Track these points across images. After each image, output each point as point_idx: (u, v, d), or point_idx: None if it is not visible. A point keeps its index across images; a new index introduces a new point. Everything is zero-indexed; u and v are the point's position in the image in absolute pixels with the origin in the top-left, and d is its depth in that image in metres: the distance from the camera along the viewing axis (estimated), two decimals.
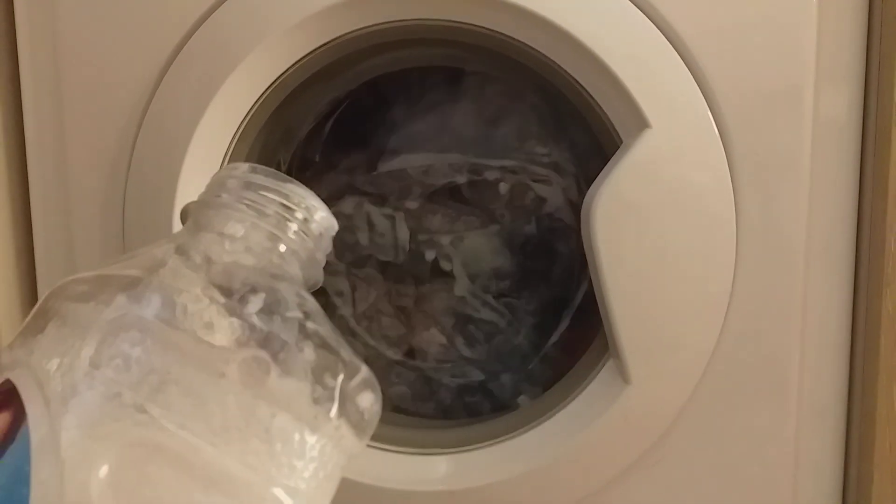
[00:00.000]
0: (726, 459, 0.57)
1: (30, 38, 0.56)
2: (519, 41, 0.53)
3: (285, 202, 0.36)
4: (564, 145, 0.70)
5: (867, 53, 0.54)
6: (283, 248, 0.36)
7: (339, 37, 0.54)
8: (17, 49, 0.56)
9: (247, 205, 0.36)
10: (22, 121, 0.57)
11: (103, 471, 0.29)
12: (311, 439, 0.32)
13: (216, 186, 0.37)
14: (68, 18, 0.54)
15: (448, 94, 0.71)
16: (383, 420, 0.62)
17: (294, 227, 0.36)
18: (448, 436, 0.61)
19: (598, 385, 0.56)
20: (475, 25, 0.53)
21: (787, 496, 0.57)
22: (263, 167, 0.38)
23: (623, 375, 0.54)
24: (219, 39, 0.53)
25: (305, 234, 0.37)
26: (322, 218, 0.38)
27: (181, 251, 0.35)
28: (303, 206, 0.37)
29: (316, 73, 0.57)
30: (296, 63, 0.54)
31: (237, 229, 0.36)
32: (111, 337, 0.31)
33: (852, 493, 0.57)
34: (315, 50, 0.54)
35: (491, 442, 0.58)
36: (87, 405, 0.30)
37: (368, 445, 0.58)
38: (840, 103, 0.54)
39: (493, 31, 0.53)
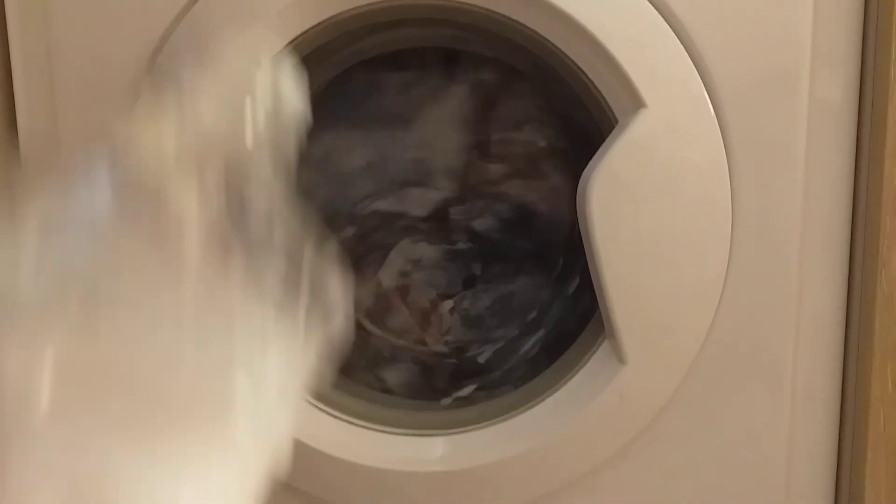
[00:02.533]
0: (721, 440, 0.57)
1: (21, 27, 0.55)
2: (515, 21, 0.53)
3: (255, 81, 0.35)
4: (561, 127, 0.69)
5: (863, 36, 0.54)
6: (251, 130, 0.35)
7: (333, 17, 0.54)
8: (7, 39, 0.56)
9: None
10: (14, 112, 0.56)
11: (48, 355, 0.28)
12: (274, 323, 0.31)
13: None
14: (60, 9, 0.54)
15: (444, 75, 0.70)
16: (379, 402, 0.63)
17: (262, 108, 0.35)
18: (444, 417, 0.61)
19: (594, 366, 0.56)
20: (471, 5, 0.53)
21: (780, 477, 0.57)
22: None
23: (618, 356, 0.54)
24: (210, 20, 0.53)
25: (273, 116, 0.36)
26: (290, 100, 0.37)
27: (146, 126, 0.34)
28: (271, 88, 0.36)
29: (309, 54, 0.57)
30: (289, 43, 0.54)
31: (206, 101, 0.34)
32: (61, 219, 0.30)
33: (846, 472, 0.58)
34: (308, 30, 0.54)
35: (487, 423, 0.58)
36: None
37: (366, 427, 0.59)
38: (836, 86, 0.54)
39: (489, 10, 0.53)
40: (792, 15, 0.52)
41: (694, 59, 0.52)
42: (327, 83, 0.65)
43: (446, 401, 0.67)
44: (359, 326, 0.72)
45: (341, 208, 0.72)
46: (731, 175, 0.53)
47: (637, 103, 0.52)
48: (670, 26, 0.52)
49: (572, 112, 0.68)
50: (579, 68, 0.54)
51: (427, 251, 0.73)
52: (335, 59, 0.63)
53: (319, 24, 0.54)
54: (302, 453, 0.57)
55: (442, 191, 0.72)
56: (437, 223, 0.72)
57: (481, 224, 0.72)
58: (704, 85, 0.52)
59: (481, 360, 0.70)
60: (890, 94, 0.51)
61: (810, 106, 0.53)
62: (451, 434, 0.58)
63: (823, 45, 0.53)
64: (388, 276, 0.73)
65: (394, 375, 0.71)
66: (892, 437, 0.55)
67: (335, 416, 0.59)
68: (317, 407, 0.59)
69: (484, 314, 0.72)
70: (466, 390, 0.67)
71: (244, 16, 0.52)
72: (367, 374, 0.70)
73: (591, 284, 0.55)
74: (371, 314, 0.72)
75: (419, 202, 0.72)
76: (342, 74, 0.66)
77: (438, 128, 0.71)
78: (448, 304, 0.72)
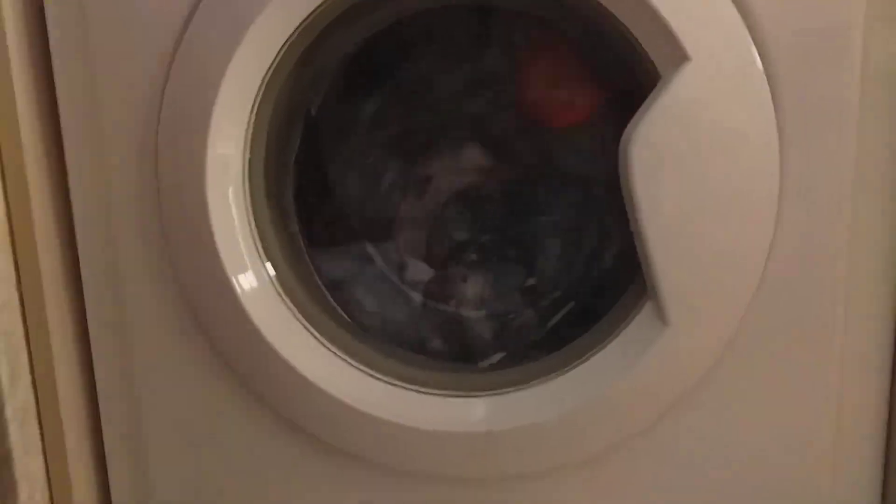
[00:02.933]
0: (767, 404, 0.56)
1: None
2: None
3: None
4: (602, 85, 0.68)
5: None
6: None
7: None
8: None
9: None
10: (51, 66, 0.56)
11: None
12: None
13: None
14: None
15: (480, 33, 0.69)
16: (420, 364, 0.63)
17: None
18: (485, 379, 0.61)
19: (637, 327, 0.55)
20: None
21: (828, 441, 0.56)
22: None
23: (661, 317, 0.53)
24: None
25: None
26: None
27: None
28: None
29: (342, 14, 0.56)
30: (322, 3, 0.53)
31: None
32: None
33: None
34: None
35: (528, 385, 0.57)
36: None
37: (406, 388, 0.59)
38: (891, 43, 0.52)
39: None
40: None
41: (741, 11, 0.50)
42: (363, 43, 0.64)
43: (484, 363, 0.67)
44: (397, 289, 0.72)
45: (379, 175, 0.72)
46: (779, 134, 0.51)
47: (681, 57, 0.50)
48: None
49: (614, 69, 0.66)
50: (620, 21, 0.52)
51: (467, 216, 0.72)
52: (371, 19, 0.62)
53: None
54: (346, 415, 0.58)
55: (481, 154, 0.71)
56: (477, 188, 0.72)
57: (522, 188, 0.72)
58: (753, 39, 0.50)
59: (518, 323, 0.70)
60: None
61: (864, 64, 0.51)
62: (492, 395, 0.58)
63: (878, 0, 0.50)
64: (426, 241, 0.73)
65: (433, 339, 0.71)
66: None
67: (378, 379, 0.59)
68: (360, 370, 0.59)
69: (523, 278, 0.72)
70: (500, 355, 0.67)
71: None
72: (406, 337, 0.70)
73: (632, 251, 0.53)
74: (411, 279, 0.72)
75: (458, 166, 0.72)
76: (379, 35, 0.65)
77: (476, 88, 0.70)
78: (485, 267, 0.72)
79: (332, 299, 0.67)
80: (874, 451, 0.58)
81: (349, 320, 0.67)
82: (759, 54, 0.50)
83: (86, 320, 0.61)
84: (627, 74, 0.57)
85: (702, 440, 0.57)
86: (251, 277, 0.57)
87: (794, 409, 0.56)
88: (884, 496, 0.58)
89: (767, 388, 0.56)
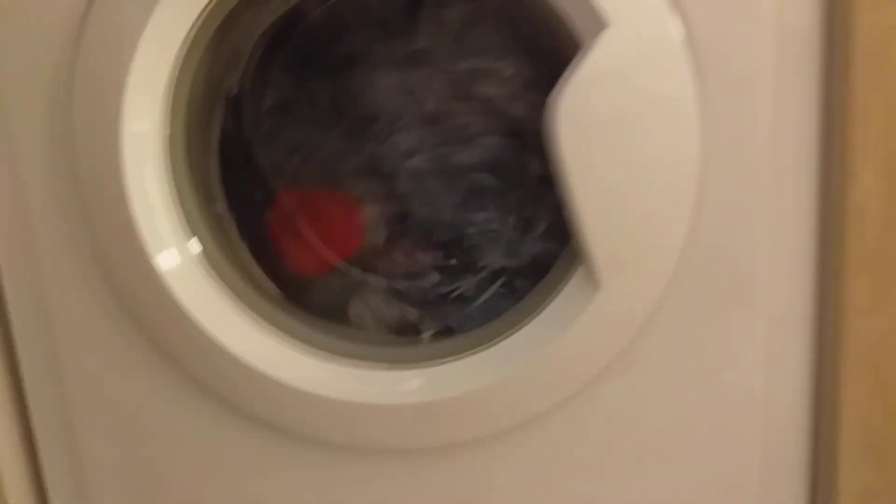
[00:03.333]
0: (699, 361, 0.57)
1: None
2: None
3: None
4: (529, 55, 0.68)
5: None
6: None
7: None
8: None
9: None
10: None
11: None
12: None
13: None
14: None
15: (402, 8, 0.68)
16: (354, 337, 0.63)
17: None
18: (420, 351, 0.61)
19: (570, 291, 0.55)
20: None
21: (758, 393, 0.58)
22: None
23: (593, 281, 0.54)
24: None
25: None
26: None
27: None
28: None
29: None
30: None
31: None
32: None
33: (824, 384, 0.58)
34: None
35: (464, 354, 0.58)
36: None
37: (341, 362, 0.58)
38: (802, 9, 0.52)
39: None
40: None
41: None
42: (281, 20, 0.63)
43: (426, 335, 0.67)
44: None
45: (305, 152, 0.71)
46: (699, 97, 0.52)
47: (600, 23, 0.50)
48: None
49: (540, 39, 0.67)
50: None
51: (398, 190, 0.72)
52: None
53: None
54: (280, 391, 0.58)
55: (413, 128, 0.71)
56: (408, 161, 0.71)
57: (455, 159, 0.71)
58: (671, 5, 0.51)
59: (458, 293, 0.70)
60: (856, 15, 0.50)
61: (776, 24, 0.52)
62: (428, 367, 0.58)
63: None
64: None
65: (372, 311, 0.70)
66: (866, 348, 0.55)
67: (312, 354, 0.59)
68: (293, 346, 0.59)
69: (460, 250, 0.72)
70: (439, 324, 0.67)
71: None
72: (345, 310, 0.70)
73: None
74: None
75: (387, 142, 0.71)
76: (296, 12, 0.64)
77: (401, 63, 0.69)
78: (426, 241, 0.72)
79: (264, 276, 0.66)
80: (803, 396, 0.59)
81: (283, 297, 0.66)
82: (677, 20, 0.51)
83: (5, 304, 0.60)
84: (553, 43, 0.57)
85: (637, 399, 0.58)
86: (174, 255, 0.57)
87: (723, 363, 0.57)
88: (815, 440, 0.60)
89: (698, 345, 0.57)
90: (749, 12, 0.51)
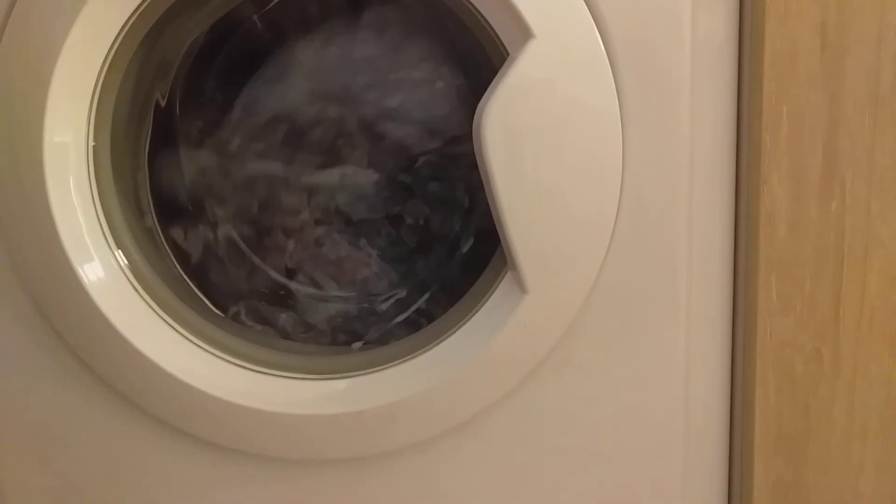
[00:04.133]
0: (624, 361, 0.59)
1: None
2: None
3: None
4: (457, 63, 0.69)
5: None
6: None
7: None
8: None
9: None
10: None
11: None
12: None
13: None
14: None
15: (337, 15, 0.69)
16: (284, 348, 0.63)
17: None
18: (350, 360, 0.61)
19: (498, 297, 0.57)
20: None
21: (679, 390, 0.60)
22: None
23: (520, 286, 0.55)
24: None
25: None
26: None
27: None
28: None
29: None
30: None
31: None
32: None
33: (741, 382, 0.61)
34: None
35: (395, 362, 0.58)
36: None
37: (271, 374, 0.58)
38: (717, 18, 0.55)
39: None
40: None
41: None
42: (211, 30, 0.62)
43: (356, 345, 0.67)
44: (265, 273, 0.71)
45: (243, 159, 0.70)
46: (620, 107, 0.54)
47: (525, 34, 0.52)
48: None
49: (469, 50, 0.68)
50: (470, 2, 0.53)
51: (330, 201, 0.72)
52: (215, 4, 0.60)
53: None
54: (210, 404, 0.57)
55: (345, 138, 0.71)
56: (339, 172, 0.71)
57: (387, 169, 0.72)
58: (593, 17, 0.53)
59: (385, 306, 0.71)
60: (766, 18, 0.53)
61: (694, 38, 0.54)
62: (357, 376, 0.58)
63: None
64: (294, 224, 0.72)
65: (301, 321, 0.70)
66: (777, 345, 0.58)
67: (241, 366, 0.58)
68: (222, 358, 0.58)
69: (392, 258, 0.72)
70: (372, 335, 0.67)
71: None
72: (276, 320, 0.70)
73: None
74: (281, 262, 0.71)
75: (323, 150, 0.71)
76: (226, 21, 0.63)
77: (337, 73, 0.70)
78: (356, 250, 0.72)
79: (193, 287, 0.65)
80: (721, 391, 0.62)
81: (212, 309, 0.65)
82: (600, 31, 0.53)
83: None
84: (480, 53, 0.58)
85: (566, 400, 0.60)
86: (98, 267, 0.56)
87: (647, 362, 0.59)
88: (731, 436, 0.63)
89: (623, 345, 0.59)
90: (667, 23, 0.54)
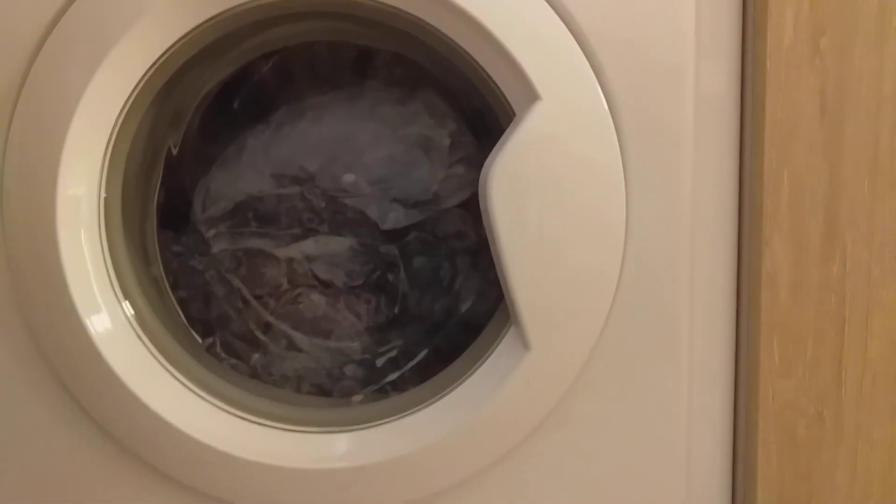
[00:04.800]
0: (626, 416, 0.59)
1: None
2: (410, 14, 0.53)
3: None
4: (466, 123, 0.70)
5: (742, 31, 0.56)
6: None
7: (226, 10, 0.53)
8: None
9: None
10: None
11: None
12: None
13: None
14: None
15: (345, 70, 0.70)
16: (288, 401, 0.62)
17: None
18: (349, 414, 0.61)
19: (500, 353, 0.57)
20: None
21: (681, 450, 0.60)
22: None
23: (523, 342, 0.55)
24: (99, 11, 0.51)
25: None
26: None
27: None
28: None
29: (202, 50, 0.56)
30: (181, 38, 0.53)
31: None
32: None
33: (741, 441, 0.60)
34: (201, 24, 0.53)
35: (395, 417, 0.58)
36: None
37: (274, 427, 0.58)
38: (719, 79, 0.56)
39: (384, 4, 0.53)
40: (675, 12, 0.54)
41: (587, 54, 0.53)
42: (224, 81, 0.63)
43: (357, 398, 0.67)
44: (267, 325, 0.71)
45: (250, 206, 0.71)
46: (624, 165, 0.55)
47: (532, 96, 0.53)
48: (563, 22, 0.53)
49: (476, 109, 0.69)
50: (478, 63, 0.54)
51: (335, 247, 0.72)
52: (229, 57, 0.61)
53: (212, 18, 0.53)
54: (211, 456, 0.57)
55: (351, 188, 0.72)
56: (344, 220, 0.72)
57: (390, 219, 0.72)
58: (598, 79, 0.54)
59: (385, 358, 0.71)
60: (767, 86, 0.54)
61: (696, 99, 0.55)
62: (357, 430, 0.58)
63: (706, 40, 0.55)
64: (297, 275, 0.72)
65: (303, 374, 0.70)
66: (779, 407, 0.58)
67: (244, 419, 0.58)
68: (225, 410, 0.58)
69: (395, 310, 0.72)
70: (374, 387, 0.67)
71: (135, 6, 0.51)
72: (277, 372, 0.69)
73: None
74: (283, 313, 0.71)
75: (329, 199, 0.72)
76: (244, 70, 0.65)
77: (346, 124, 0.71)
78: (359, 299, 0.72)
79: (198, 339, 0.65)
80: (723, 451, 0.61)
81: (217, 361, 0.65)
82: (603, 91, 0.54)
83: None
84: (486, 111, 0.59)
85: (566, 457, 0.59)
86: (105, 318, 0.56)
87: (649, 419, 0.59)
88: (733, 497, 0.62)
89: (626, 401, 0.58)
90: (670, 81, 0.55)
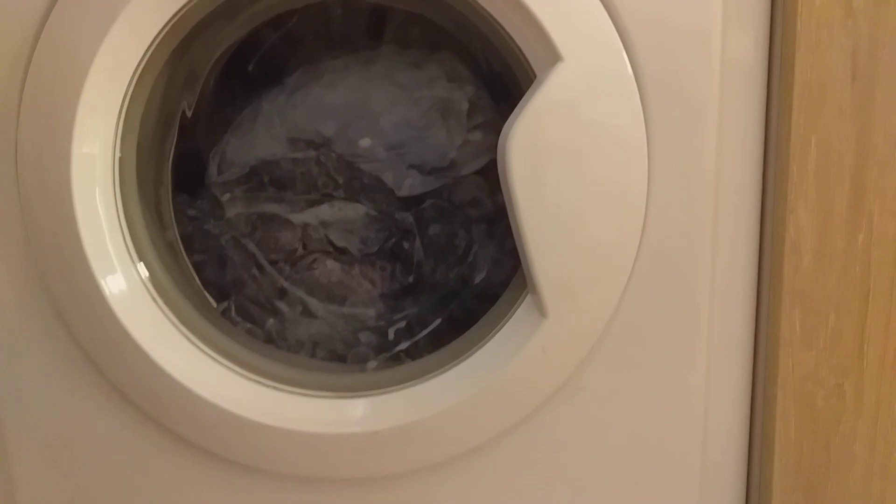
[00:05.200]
0: (642, 386, 0.58)
1: None
2: None
3: None
4: (486, 85, 0.69)
5: None
6: None
7: None
8: None
9: None
10: None
11: None
12: None
13: None
14: None
15: (361, 31, 0.69)
16: (300, 364, 0.63)
17: None
18: (370, 379, 0.61)
19: (517, 320, 0.56)
20: None
21: (699, 419, 0.59)
22: None
23: (540, 310, 0.55)
24: None
25: None
26: None
27: None
28: None
29: (217, 10, 0.55)
30: None
31: None
32: None
33: (761, 413, 0.60)
34: None
35: (411, 383, 0.58)
36: None
37: (289, 391, 0.58)
38: (747, 45, 0.55)
39: None
40: None
41: (611, 16, 0.52)
42: (239, 42, 0.63)
43: (371, 365, 0.67)
44: (282, 290, 0.71)
45: (266, 170, 0.71)
46: (647, 130, 0.53)
47: (554, 57, 0.52)
48: None
49: (495, 72, 0.68)
50: (499, 23, 0.53)
51: (350, 213, 0.72)
52: (244, 17, 0.60)
53: None
54: (224, 419, 0.57)
55: (367, 153, 0.71)
56: (360, 185, 0.72)
57: (406, 186, 0.72)
58: (622, 40, 0.52)
59: (399, 326, 0.70)
60: (797, 46, 0.53)
61: (723, 65, 0.54)
62: (372, 395, 0.58)
63: (734, 5, 0.53)
64: (312, 240, 0.72)
65: (318, 339, 0.70)
66: (799, 378, 0.57)
67: (259, 383, 0.58)
68: (239, 374, 0.58)
69: (410, 278, 0.72)
70: (385, 355, 0.67)
71: None
72: (292, 337, 0.69)
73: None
74: (298, 278, 0.71)
75: (344, 165, 0.71)
76: (259, 30, 0.64)
77: (362, 87, 0.70)
78: (374, 267, 0.72)
79: (212, 303, 0.65)
80: (740, 421, 0.61)
81: (232, 325, 0.65)
82: (628, 54, 0.52)
83: None
84: (506, 73, 0.58)
85: (582, 425, 0.59)
86: (120, 279, 0.56)
87: (666, 389, 0.58)
88: (750, 468, 0.62)
89: (642, 371, 0.58)
90: (696, 46, 0.53)
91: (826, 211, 0.55)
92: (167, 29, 0.53)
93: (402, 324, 0.71)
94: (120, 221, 0.56)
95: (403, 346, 0.69)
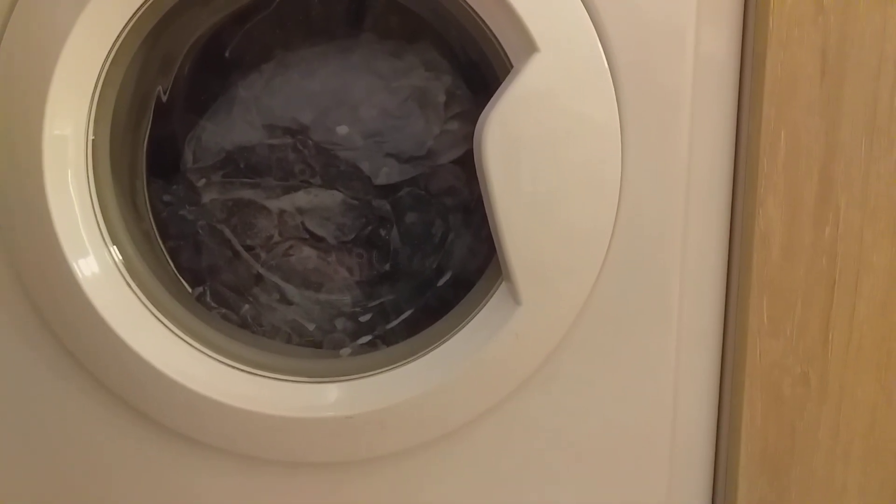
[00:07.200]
0: (613, 373, 0.59)
1: None
2: None
3: None
4: (462, 74, 0.69)
5: None
6: None
7: None
8: None
9: None
10: None
11: None
12: None
13: None
14: None
15: (340, 19, 0.69)
16: (275, 349, 0.63)
17: None
18: (344, 365, 0.61)
19: (491, 308, 0.57)
20: None
21: (667, 407, 0.60)
22: None
23: (514, 297, 0.55)
24: None
25: None
26: None
27: None
28: None
29: None
30: None
31: None
32: None
33: (727, 398, 0.61)
34: None
35: (385, 368, 0.58)
36: None
37: (264, 376, 0.58)
38: (720, 40, 0.56)
39: None
40: None
41: (587, 8, 0.53)
42: (215, 26, 0.62)
43: (345, 351, 0.67)
44: (258, 276, 0.71)
45: (242, 156, 0.70)
46: (621, 122, 0.54)
47: (530, 47, 0.52)
48: None
49: (473, 62, 0.68)
50: (475, 13, 0.53)
51: (327, 200, 0.72)
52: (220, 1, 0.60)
53: None
54: (198, 402, 0.57)
55: (345, 141, 0.71)
56: (337, 173, 0.72)
57: (383, 174, 0.72)
58: (597, 33, 0.53)
59: (374, 313, 0.71)
60: (769, 42, 0.54)
61: (696, 59, 0.55)
62: (347, 380, 0.58)
63: (708, 2, 0.54)
64: (288, 227, 0.72)
65: (293, 326, 0.70)
66: (766, 366, 0.58)
67: (233, 367, 0.58)
68: (214, 358, 0.58)
69: (387, 265, 0.72)
70: (364, 339, 0.67)
71: None
72: (264, 323, 0.69)
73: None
74: (274, 265, 0.71)
75: (322, 152, 0.71)
76: (237, 16, 0.63)
77: (340, 76, 0.70)
78: (350, 254, 0.72)
79: (187, 288, 0.65)
80: (708, 409, 0.62)
81: (207, 310, 0.65)
82: (603, 46, 0.53)
83: None
84: (483, 63, 0.58)
85: (555, 411, 0.60)
86: (93, 262, 0.55)
87: (637, 377, 0.59)
88: (717, 454, 0.63)
89: (614, 359, 0.59)
90: (670, 40, 0.54)
91: (794, 203, 0.56)
92: (141, 12, 0.53)
93: (378, 311, 0.71)
94: (93, 204, 0.56)
95: (379, 331, 0.70)
